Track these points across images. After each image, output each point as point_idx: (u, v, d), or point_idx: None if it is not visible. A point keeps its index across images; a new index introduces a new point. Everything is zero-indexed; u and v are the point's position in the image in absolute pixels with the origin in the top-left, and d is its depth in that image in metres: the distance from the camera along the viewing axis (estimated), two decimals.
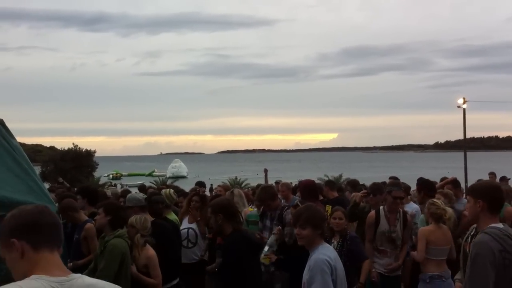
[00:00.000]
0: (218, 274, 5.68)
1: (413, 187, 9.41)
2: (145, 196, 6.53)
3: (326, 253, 3.94)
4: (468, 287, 3.50)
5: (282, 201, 7.44)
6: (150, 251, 5.43)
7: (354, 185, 10.48)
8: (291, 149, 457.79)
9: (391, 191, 6.62)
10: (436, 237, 6.12)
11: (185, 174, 77.94)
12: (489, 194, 3.67)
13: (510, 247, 3.46)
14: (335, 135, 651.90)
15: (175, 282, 6.05)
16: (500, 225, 3.58)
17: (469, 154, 36.91)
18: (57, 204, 5.92)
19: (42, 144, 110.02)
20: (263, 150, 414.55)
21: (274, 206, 6.69)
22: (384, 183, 8.55)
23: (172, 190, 7.75)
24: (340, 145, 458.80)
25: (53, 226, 2.20)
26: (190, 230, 7.16)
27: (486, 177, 15.22)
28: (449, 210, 6.41)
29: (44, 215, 2.18)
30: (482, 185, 3.91)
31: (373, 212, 6.78)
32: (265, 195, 6.74)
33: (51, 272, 2.09)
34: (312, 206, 4.42)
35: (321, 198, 7.88)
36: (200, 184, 12.84)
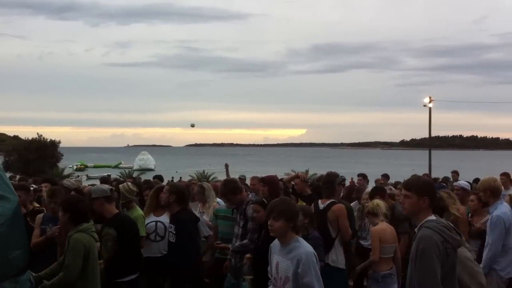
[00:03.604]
0: None
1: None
2: (111, 187, 6.41)
3: (309, 246, 4.18)
4: (417, 280, 3.69)
5: (250, 195, 7.36)
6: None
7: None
8: (259, 143, 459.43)
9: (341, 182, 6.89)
10: (387, 235, 6.13)
11: (152, 166, 77.28)
12: (432, 191, 3.92)
13: (448, 236, 3.72)
14: (303, 131, 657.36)
15: (133, 276, 5.89)
16: (433, 217, 3.81)
17: (433, 152, 37.63)
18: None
19: (6, 133, 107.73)
20: (232, 144, 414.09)
21: (237, 200, 6.56)
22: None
23: (130, 183, 7.54)
24: (308, 141, 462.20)
25: None
26: (159, 223, 7.03)
27: (449, 175, 15.60)
28: (382, 205, 6.38)
29: None
30: (425, 182, 3.99)
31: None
32: (225, 190, 6.61)
33: None
34: (287, 199, 4.58)
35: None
36: (158, 178, 12.78)
